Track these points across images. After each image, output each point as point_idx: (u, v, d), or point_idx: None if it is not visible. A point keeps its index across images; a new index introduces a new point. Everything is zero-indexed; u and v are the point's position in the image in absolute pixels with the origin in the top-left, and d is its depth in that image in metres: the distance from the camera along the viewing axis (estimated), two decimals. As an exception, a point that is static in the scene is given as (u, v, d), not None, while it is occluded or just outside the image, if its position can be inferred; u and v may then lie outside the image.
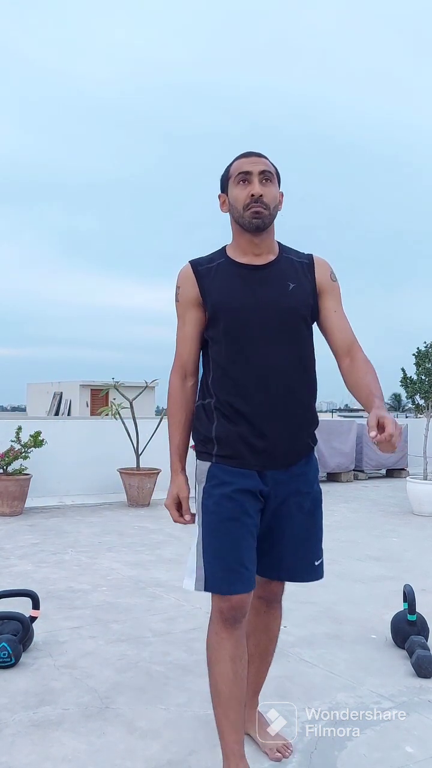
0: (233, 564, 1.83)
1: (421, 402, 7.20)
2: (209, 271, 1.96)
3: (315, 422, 2.01)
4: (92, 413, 24.19)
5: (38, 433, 6.68)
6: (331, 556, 4.95)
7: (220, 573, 1.83)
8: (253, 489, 1.87)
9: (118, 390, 7.53)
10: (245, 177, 1.91)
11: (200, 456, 1.96)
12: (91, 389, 27.42)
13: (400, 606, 3.24)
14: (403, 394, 7.78)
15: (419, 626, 3.03)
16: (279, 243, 2.01)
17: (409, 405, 7.87)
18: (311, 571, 2.02)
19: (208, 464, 1.92)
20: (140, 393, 7.67)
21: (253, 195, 1.88)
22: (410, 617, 3.03)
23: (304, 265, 1.98)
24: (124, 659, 2.89)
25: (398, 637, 3.06)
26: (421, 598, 3.39)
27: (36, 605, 3.07)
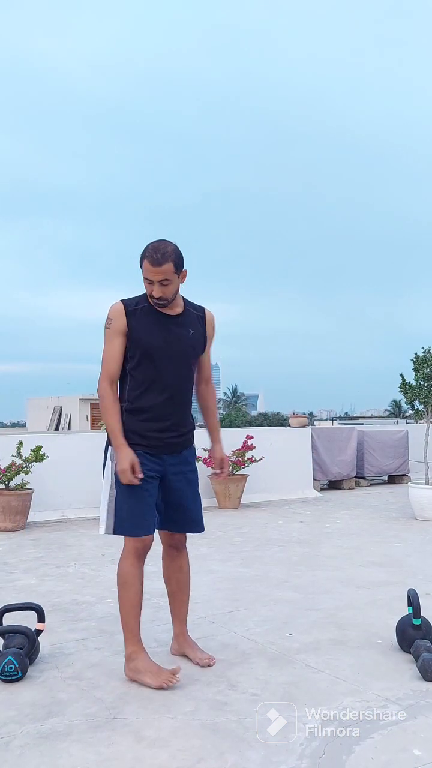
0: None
1: (421, 407, 7.22)
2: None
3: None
4: (92, 427, 24.19)
5: (39, 447, 6.69)
6: (335, 562, 4.96)
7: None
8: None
9: (118, 402, 7.54)
10: (150, 281, 2.64)
11: None
12: (91, 403, 27.42)
13: (403, 611, 3.25)
14: (403, 401, 7.80)
15: (424, 630, 3.04)
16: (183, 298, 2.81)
17: (409, 411, 7.88)
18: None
19: None
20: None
21: (153, 296, 2.67)
22: (415, 621, 3.04)
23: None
24: (131, 670, 2.89)
25: (404, 641, 3.06)
26: (425, 602, 3.39)
27: (41, 618, 3.07)
